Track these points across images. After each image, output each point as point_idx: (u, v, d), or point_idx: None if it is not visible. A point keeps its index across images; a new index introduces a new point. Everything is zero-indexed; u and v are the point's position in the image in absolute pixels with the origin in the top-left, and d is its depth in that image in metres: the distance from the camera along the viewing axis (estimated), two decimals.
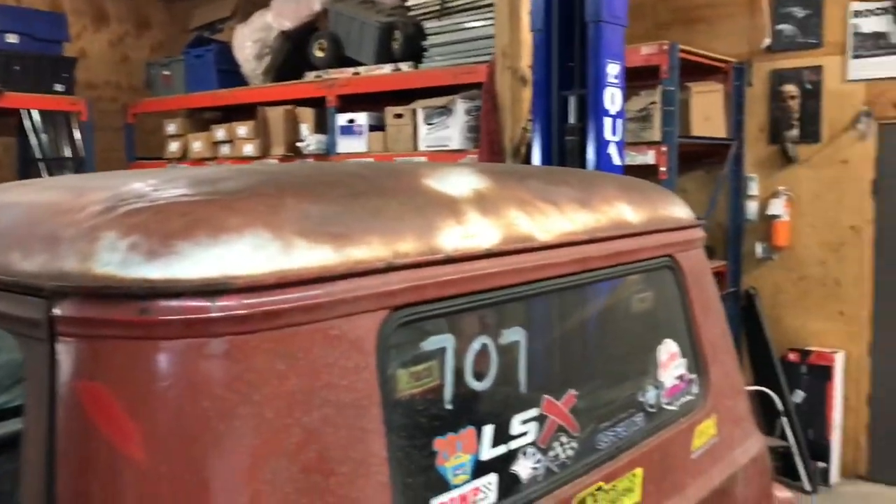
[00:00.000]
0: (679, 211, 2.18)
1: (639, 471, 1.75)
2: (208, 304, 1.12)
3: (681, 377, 2.01)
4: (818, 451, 5.40)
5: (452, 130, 5.47)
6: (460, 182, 1.59)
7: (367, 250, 1.30)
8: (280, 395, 1.16)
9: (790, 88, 5.50)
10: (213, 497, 1.11)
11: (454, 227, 1.46)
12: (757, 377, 5.64)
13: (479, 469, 1.42)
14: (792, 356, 5.55)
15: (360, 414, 1.23)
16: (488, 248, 1.50)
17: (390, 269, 1.31)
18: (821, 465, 5.40)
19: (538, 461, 1.54)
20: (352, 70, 6.10)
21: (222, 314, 1.12)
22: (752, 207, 5.79)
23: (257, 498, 1.12)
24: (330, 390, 1.21)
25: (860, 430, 5.48)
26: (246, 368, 1.13)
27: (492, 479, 1.43)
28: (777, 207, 5.62)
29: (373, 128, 5.93)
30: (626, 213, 1.94)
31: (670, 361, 1.99)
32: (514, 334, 1.56)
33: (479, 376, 1.46)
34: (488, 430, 1.44)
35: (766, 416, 5.45)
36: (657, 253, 2.02)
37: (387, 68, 5.88)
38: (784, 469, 5.28)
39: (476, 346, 1.47)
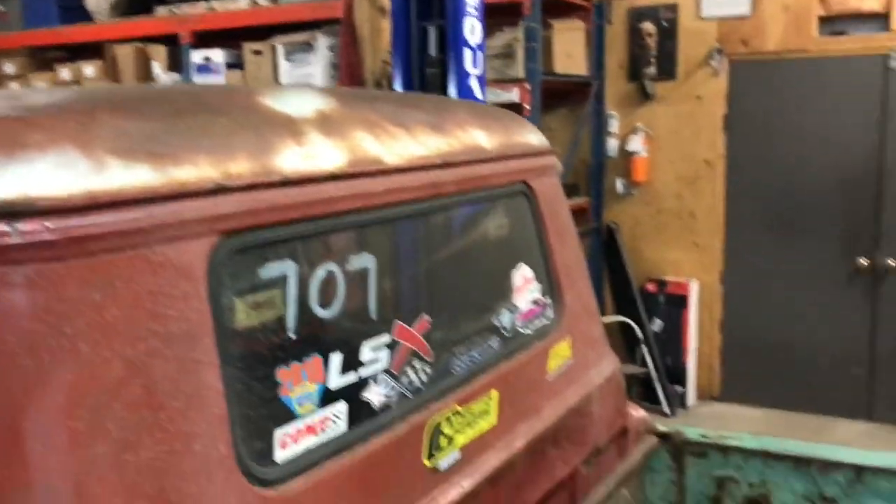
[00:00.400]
0: (533, 138, 2.17)
1: (494, 393, 1.76)
2: (7, 228, 1.00)
3: (536, 301, 2.02)
4: (676, 375, 5.70)
5: (315, 67, 5.30)
6: (300, 102, 1.50)
7: (194, 171, 1.20)
8: (97, 326, 1.06)
9: (647, 26, 5.64)
10: (25, 440, 1.01)
11: (293, 147, 1.38)
12: (618, 308, 5.87)
13: (328, 398, 1.37)
14: (650, 287, 5.80)
15: (191, 345, 1.15)
16: (332, 171, 1.42)
17: (220, 191, 1.22)
18: (678, 388, 5.71)
19: (391, 388, 1.51)
20: (206, 4, 5.78)
21: (24, 240, 1.01)
22: (612, 144, 5.94)
23: (76, 438, 1.03)
24: (156, 321, 1.12)
25: (713, 355, 5.82)
26: (55, 298, 1.03)
27: (341, 407, 1.39)
28: (636, 144, 5.80)
29: (230, 66, 5.67)
30: (480, 138, 1.91)
31: (525, 286, 2.00)
32: (363, 261, 1.51)
33: (325, 304, 1.40)
34: (336, 359, 1.39)
35: (627, 345, 5.70)
36: (511, 179, 2.01)
37: (243, 2, 5.60)
38: (645, 394, 5.55)
39: (321, 273, 1.40)
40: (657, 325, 5.76)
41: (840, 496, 2.05)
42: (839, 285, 5.37)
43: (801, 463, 2.08)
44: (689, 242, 5.76)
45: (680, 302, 5.70)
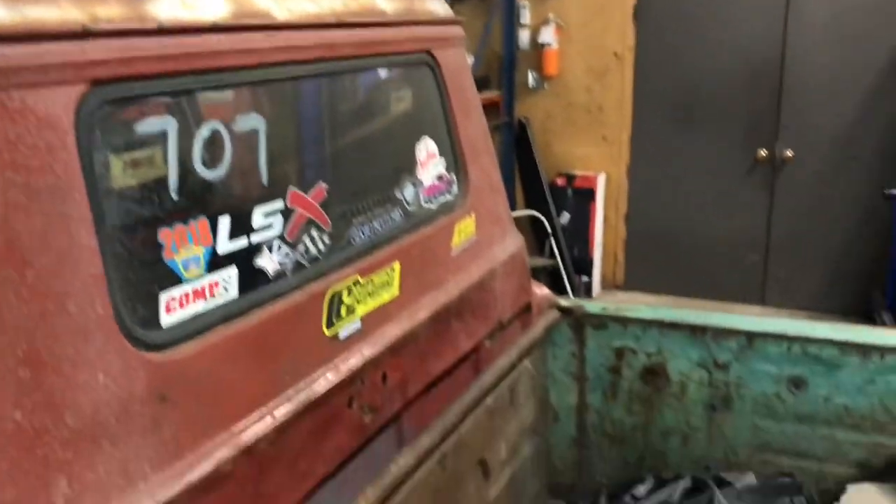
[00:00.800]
0: (438, 6, 2.08)
1: (396, 266, 1.73)
2: None
3: (440, 177, 1.98)
4: (582, 266, 5.83)
5: None
6: None
7: (55, 10, 1.09)
8: None
9: None
10: None
11: None
12: (528, 202, 5.91)
13: (217, 263, 1.31)
14: (559, 181, 5.84)
15: (60, 200, 1.07)
16: (214, 22, 1.32)
17: (87, 35, 1.11)
18: (585, 279, 5.85)
19: (286, 255, 1.46)
20: None
21: None
22: (524, 36, 5.85)
23: None
24: (16, 171, 1.03)
25: (618, 246, 5.96)
26: None
27: (231, 272, 1.33)
28: (547, 35, 5.72)
29: None
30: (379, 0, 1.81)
31: (429, 160, 1.95)
32: (252, 121, 1.43)
33: (210, 165, 1.32)
34: (224, 222, 1.33)
35: (537, 238, 5.77)
36: (414, 47, 1.93)
37: None
38: (553, 284, 5.66)
39: (205, 132, 1.32)
40: (565, 218, 5.84)
41: (732, 361, 2.14)
42: (740, 176, 5.53)
43: (696, 331, 2.15)
44: (598, 136, 5.80)
45: (587, 195, 5.78)
